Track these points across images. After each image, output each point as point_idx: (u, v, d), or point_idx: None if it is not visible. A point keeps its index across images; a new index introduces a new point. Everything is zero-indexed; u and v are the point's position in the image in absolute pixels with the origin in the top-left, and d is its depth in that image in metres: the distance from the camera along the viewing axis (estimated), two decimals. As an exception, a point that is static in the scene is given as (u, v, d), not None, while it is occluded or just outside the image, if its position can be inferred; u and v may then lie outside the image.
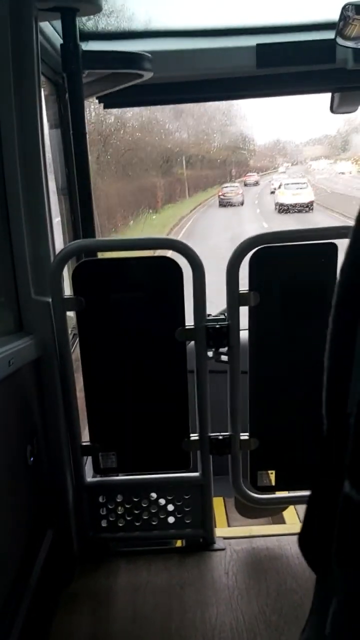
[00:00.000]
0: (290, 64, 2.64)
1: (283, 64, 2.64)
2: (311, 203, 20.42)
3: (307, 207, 20.34)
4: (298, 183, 22.41)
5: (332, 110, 2.92)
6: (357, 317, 0.75)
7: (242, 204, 23.76)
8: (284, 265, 2.21)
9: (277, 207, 21.11)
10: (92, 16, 2.47)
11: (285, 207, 20.49)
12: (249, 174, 30.08)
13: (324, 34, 2.60)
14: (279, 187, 22.23)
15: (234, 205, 23.46)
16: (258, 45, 2.58)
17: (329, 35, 2.49)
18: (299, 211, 20.26)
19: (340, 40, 2.32)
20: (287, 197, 20.85)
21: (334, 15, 2.31)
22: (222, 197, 23.84)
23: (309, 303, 2.21)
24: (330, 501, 0.77)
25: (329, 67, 2.63)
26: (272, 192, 24.55)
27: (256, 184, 28.64)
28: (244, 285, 2.22)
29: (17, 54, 1.96)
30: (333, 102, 2.91)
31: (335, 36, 2.31)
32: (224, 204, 23.58)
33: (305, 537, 0.87)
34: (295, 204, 20.40)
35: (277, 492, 2.51)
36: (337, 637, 0.79)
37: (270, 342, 2.29)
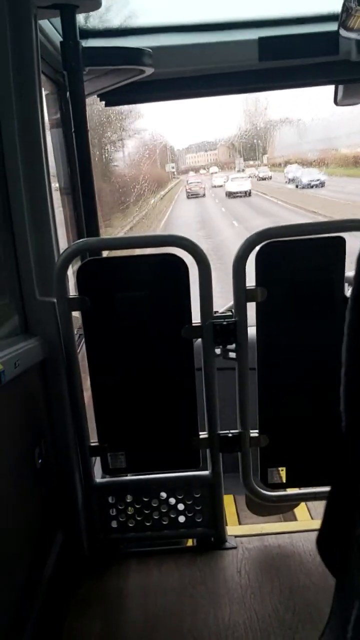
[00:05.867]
0: (293, 56, 2.61)
1: (286, 57, 2.62)
2: (249, 191, 29.04)
3: (246, 194, 28.79)
4: (242, 177, 31.58)
5: (336, 102, 2.88)
6: None
7: (204, 195, 30.47)
8: (291, 260, 2.19)
9: (227, 194, 29.13)
10: (91, 13, 2.44)
11: (234, 194, 28.85)
12: (190, 174, 36.36)
13: (326, 25, 2.57)
14: (227, 181, 30.65)
15: (199, 197, 29.94)
16: (260, 38, 2.56)
17: (332, 27, 2.46)
18: (242, 196, 28.54)
19: (343, 32, 2.30)
20: (234, 187, 29.35)
21: (336, 7, 2.28)
22: (188, 190, 30.39)
23: (317, 298, 2.19)
24: (350, 501, 0.75)
25: (332, 59, 2.61)
26: (215, 187, 32.43)
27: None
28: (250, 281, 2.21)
29: (17, 52, 1.95)
30: (337, 94, 2.88)
31: (338, 28, 2.29)
32: (190, 196, 30.07)
33: (323, 539, 0.85)
34: (240, 192, 28.94)
35: (288, 489, 2.49)
36: None
37: (279, 337, 2.27)
